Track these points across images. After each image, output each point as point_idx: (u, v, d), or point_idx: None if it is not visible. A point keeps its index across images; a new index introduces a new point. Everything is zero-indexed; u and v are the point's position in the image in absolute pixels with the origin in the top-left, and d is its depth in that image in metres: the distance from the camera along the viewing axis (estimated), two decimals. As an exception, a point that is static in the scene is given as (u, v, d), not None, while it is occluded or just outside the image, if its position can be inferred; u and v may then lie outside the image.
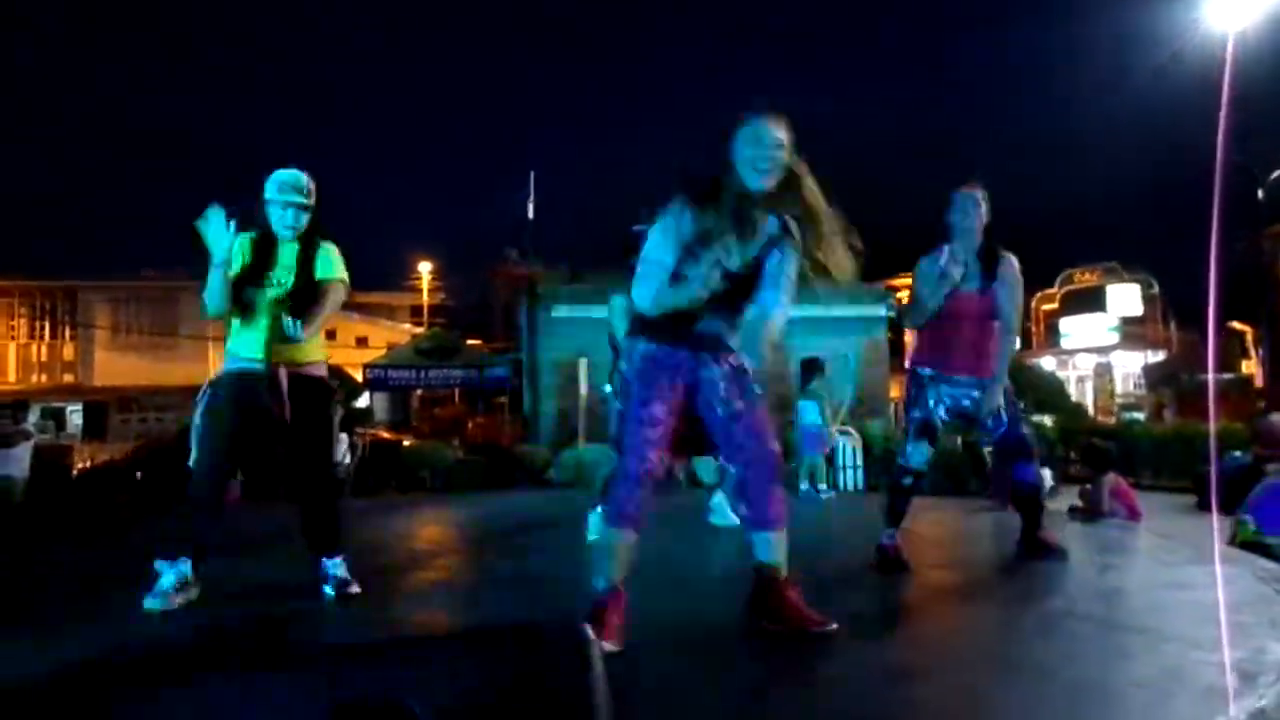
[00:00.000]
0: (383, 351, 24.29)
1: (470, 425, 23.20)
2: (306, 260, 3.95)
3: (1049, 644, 3.06)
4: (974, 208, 4.42)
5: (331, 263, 4.01)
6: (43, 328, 31.61)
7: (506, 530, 6.26)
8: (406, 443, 17.58)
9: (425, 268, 38.97)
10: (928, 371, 4.57)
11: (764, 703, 2.54)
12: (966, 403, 4.51)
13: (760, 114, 3.05)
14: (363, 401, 21.85)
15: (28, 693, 2.77)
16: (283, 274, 3.91)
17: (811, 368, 8.92)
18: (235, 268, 3.80)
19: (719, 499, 5.55)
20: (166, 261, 30.59)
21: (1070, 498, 7.10)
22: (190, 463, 3.88)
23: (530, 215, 29.75)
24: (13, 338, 31.06)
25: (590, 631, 1.22)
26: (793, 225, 3.13)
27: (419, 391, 26.17)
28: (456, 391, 27.52)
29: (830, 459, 10.37)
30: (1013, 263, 4.49)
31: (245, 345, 3.90)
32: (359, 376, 19.59)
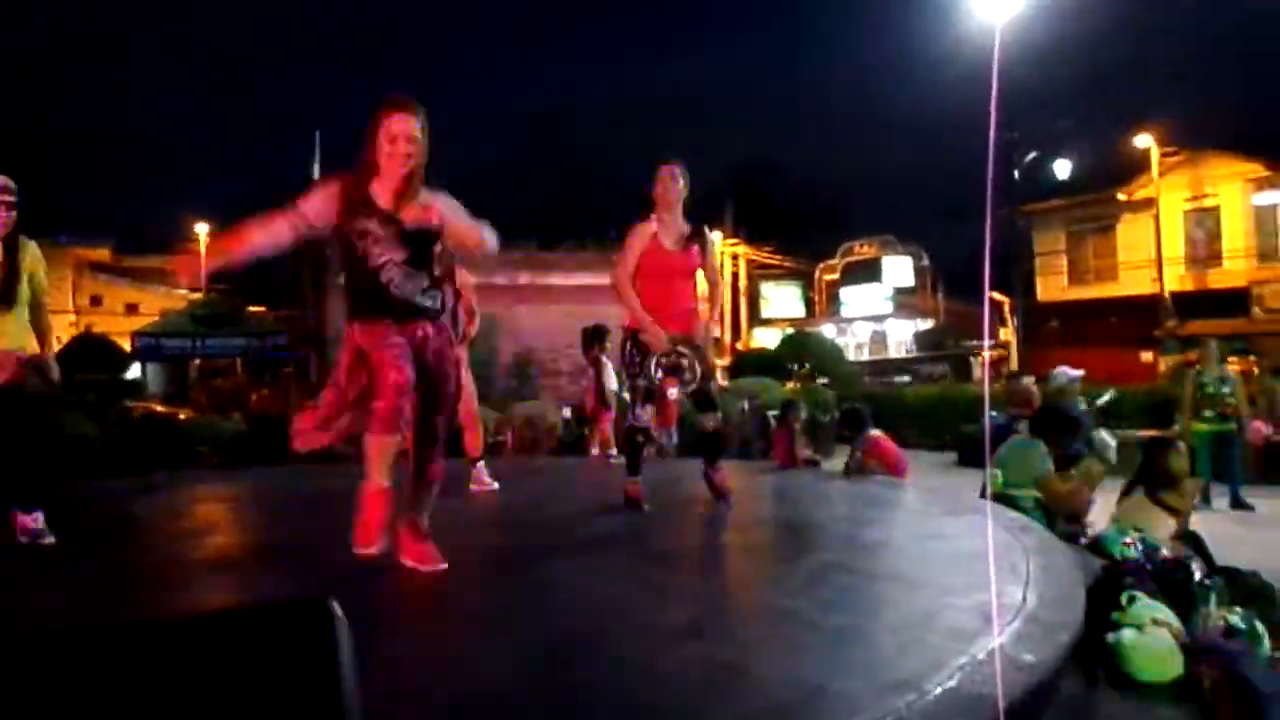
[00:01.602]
0: (155, 319, 22.75)
1: (254, 397, 22.12)
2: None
3: (816, 595, 3.23)
4: (673, 181, 4.93)
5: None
6: None
7: (286, 504, 6.02)
8: (182, 416, 16.58)
9: (203, 229, 36.65)
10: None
11: (549, 664, 2.55)
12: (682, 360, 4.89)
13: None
14: (133, 373, 20.42)
15: None
16: None
17: (596, 335, 8.99)
18: None
19: None
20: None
21: (844, 457, 7.50)
22: None
23: (316, 175, 28.50)
24: None
25: (338, 609, 1.18)
26: None
27: (197, 362, 24.70)
28: (239, 361, 26.17)
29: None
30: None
31: None
32: (127, 346, 18.29)
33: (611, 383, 8.90)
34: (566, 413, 13.56)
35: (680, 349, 4.85)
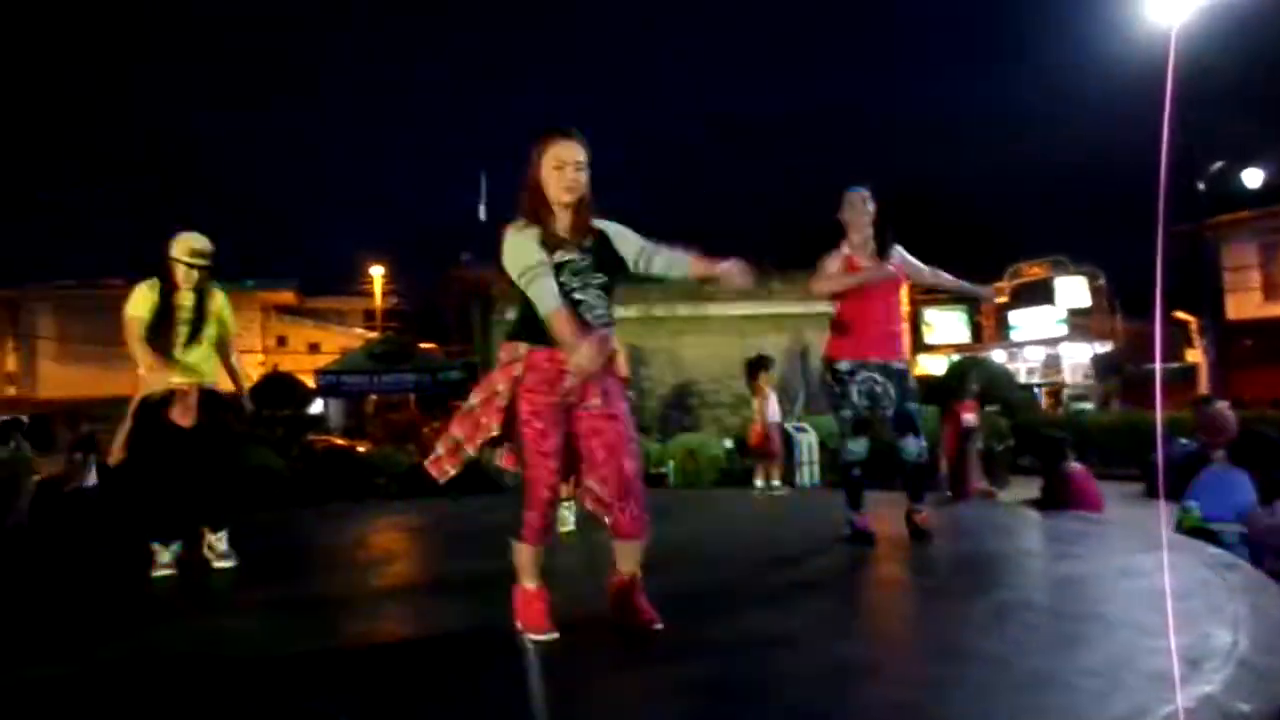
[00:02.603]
0: (335, 357, 23.98)
1: (426, 430, 22.98)
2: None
3: (1002, 635, 3.08)
4: (864, 204, 4.97)
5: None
6: (-19, 340, 30.90)
7: (460, 535, 6.18)
8: (360, 449, 17.36)
9: (377, 272, 38.54)
10: (845, 365, 4.89)
11: (718, 701, 2.51)
12: (876, 387, 4.85)
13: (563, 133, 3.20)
14: (315, 408, 21.60)
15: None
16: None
17: (759, 365, 8.87)
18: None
19: None
20: (107, 270, 29.99)
21: (1022, 489, 7.15)
22: None
23: (483, 218, 29.54)
24: (-50, 350, 30.33)
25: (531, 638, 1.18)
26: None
27: (373, 397, 25.88)
28: (411, 396, 27.27)
29: (788, 454, 10.32)
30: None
31: None
32: (311, 383, 19.33)
33: (774, 414, 8.78)
34: (728, 443, 13.47)
35: (875, 376, 4.84)
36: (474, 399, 3.26)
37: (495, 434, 3.21)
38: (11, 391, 30.95)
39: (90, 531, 7.39)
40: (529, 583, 3.23)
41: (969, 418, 8.25)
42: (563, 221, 3.19)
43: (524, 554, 3.22)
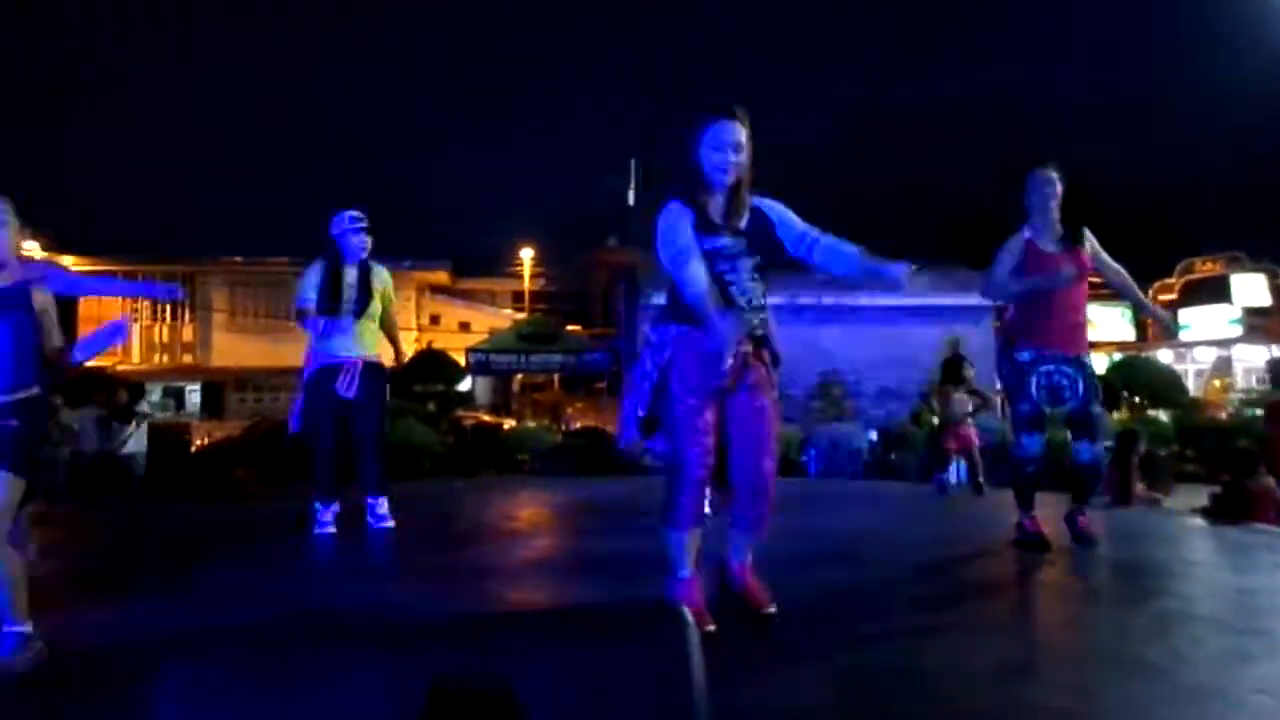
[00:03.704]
0: (485, 336, 24.66)
1: (570, 410, 23.43)
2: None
3: (1164, 645, 2.94)
4: (1050, 186, 4.57)
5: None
6: (164, 310, 32.99)
7: (601, 513, 6.28)
8: (507, 426, 17.83)
9: (527, 254, 39.37)
10: (1026, 355, 4.54)
11: (872, 694, 2.49)
12: (1062, 380, 4.50)
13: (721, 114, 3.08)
14: (464, 385, 22.27)
15: (139, 656, 2.90)
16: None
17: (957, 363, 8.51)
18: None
19: None
20: (278, 247, 31.67)
21: (1188, 497, 6.78)
22: None
23: (631, 202, 29.78)
24: (135, 319, 32.52)
25: (688, 614, 1.20)
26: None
27: (520, 376, 26.51)
28: (556, 377, 27.79)
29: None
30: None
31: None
32: (461, 360, 19.92)
33: (952, 414, 8.36)
34: (873, 435, 13.25)
35: (1064, 368, 4.50)
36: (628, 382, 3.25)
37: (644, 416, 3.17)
38: (188, 360, 33.00)
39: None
40: (683, 571, 3.09)
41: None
42: (719, 203, 3.11)
43: (675, 539, 3.08)
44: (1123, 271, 4.80)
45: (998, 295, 4.77)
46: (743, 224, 3.14)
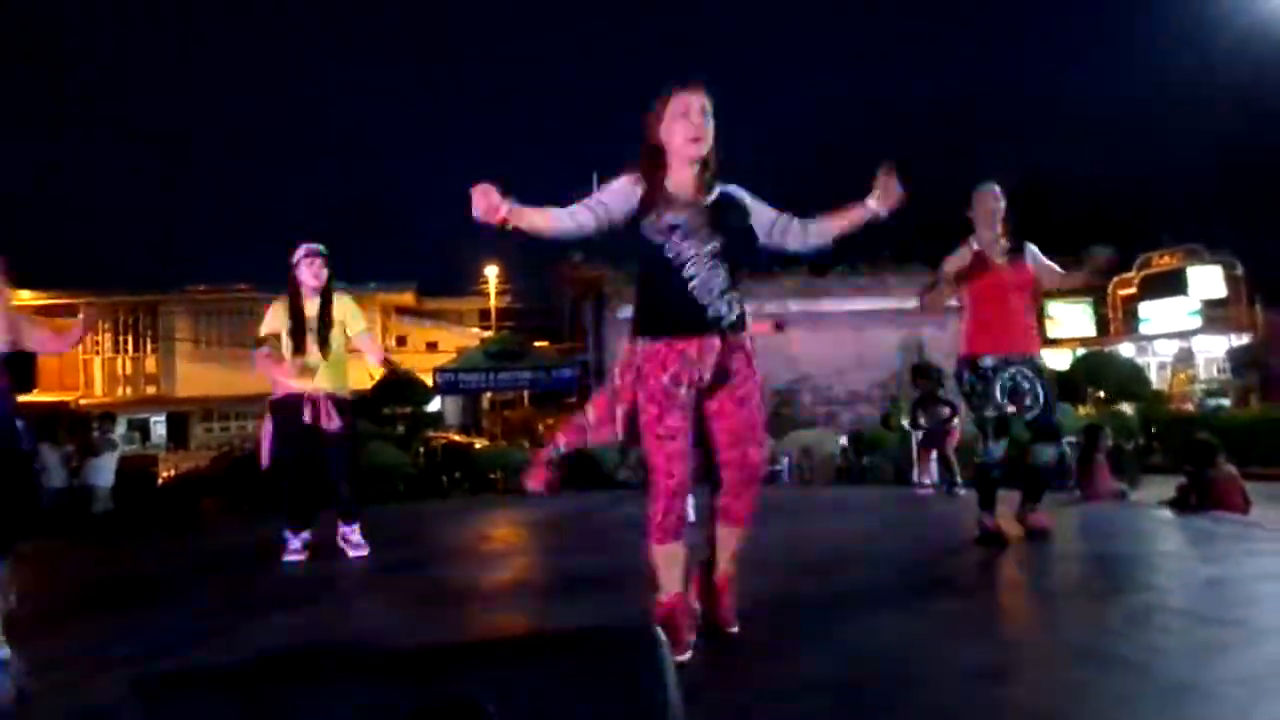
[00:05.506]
0: (452, 356, 24.56)
1: (541, 427, 23.34)
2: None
3: (1140, 640, 2.96)
4: (995, 201, 4.83)
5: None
6: (126, 341, 32.61)
7: (577, 531, 6.27)
8: (477, 445, 17.75)
9: (492, 272, 39.31)
10: (989, 361, 4.71)
11: (851, 701, 2.49)
12: (1024, 382, 4.68)
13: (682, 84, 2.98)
14: (434, 406, 22.14)
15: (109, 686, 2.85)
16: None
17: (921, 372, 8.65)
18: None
19: None
20: (239, 275, 31.46)
21: (1156, 489, 6.87)
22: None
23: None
24: (97, 352, 32.06)
25: (663, 635, 1.19)
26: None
27: (489, 394, 26.41)
28: (526, 394, 27.68)
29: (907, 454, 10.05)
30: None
31: None
32: (429, 381, 19.80)
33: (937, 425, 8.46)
34: (844, 441, 13.31)
35: (1023, 370, 4.68)
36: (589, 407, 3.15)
37: (622, 436, 3.05)
38: (152, 391, 32.60)
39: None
40: (664, 591, 2.96)
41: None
42: (681, 176, 2.97)
43: (656, 555, 2.95)
44: (1056, 268, 4.94)
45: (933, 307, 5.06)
46: (706, 201, 2.99)
